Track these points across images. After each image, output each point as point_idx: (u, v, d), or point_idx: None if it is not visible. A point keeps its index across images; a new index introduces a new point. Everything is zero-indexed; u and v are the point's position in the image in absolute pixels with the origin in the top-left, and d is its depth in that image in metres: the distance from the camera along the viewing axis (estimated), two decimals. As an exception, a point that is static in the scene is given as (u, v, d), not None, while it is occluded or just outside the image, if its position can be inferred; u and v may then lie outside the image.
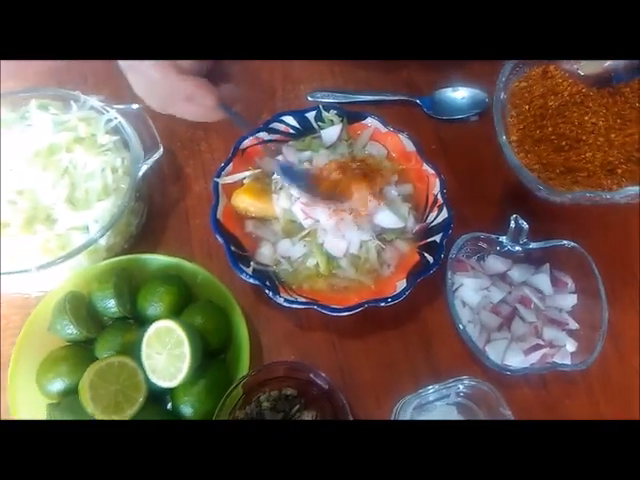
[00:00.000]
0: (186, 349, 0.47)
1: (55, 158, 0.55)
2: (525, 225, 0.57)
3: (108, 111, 0.59)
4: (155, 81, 0.55)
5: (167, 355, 0.48)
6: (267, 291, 0.52)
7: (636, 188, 0.53)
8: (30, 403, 0.50)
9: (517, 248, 0.58)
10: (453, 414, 0.50)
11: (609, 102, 0.58)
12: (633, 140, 0.57)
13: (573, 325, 0.56)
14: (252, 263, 0.54)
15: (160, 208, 0.64)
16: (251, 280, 0.52)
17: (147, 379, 0.48)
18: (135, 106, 0.60)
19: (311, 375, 0.48)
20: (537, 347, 0.53)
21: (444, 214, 0.57)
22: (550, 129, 0.58)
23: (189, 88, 0.55)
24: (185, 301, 0.53)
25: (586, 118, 0.58)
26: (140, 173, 0.56)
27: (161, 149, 0.58)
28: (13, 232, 0.52)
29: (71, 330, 0.50)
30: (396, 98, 0.72)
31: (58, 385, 0.49)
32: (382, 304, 0.52)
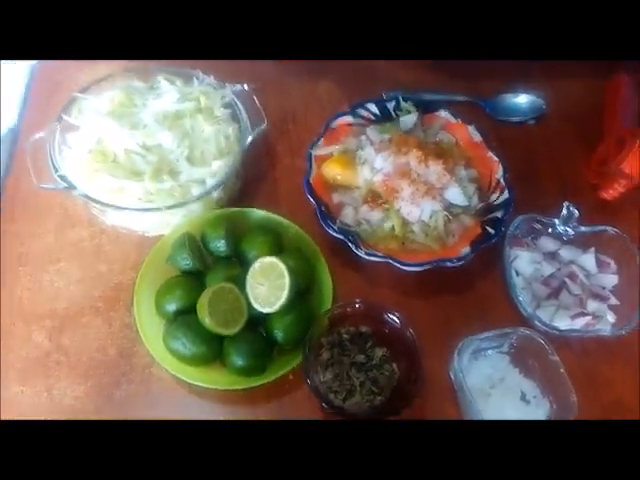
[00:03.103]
0: (286, 280, 0.56)
1: (179, 122, 0.66)
2: (576, 211, 0.65)
3: (223, 88, 0.70)
4: None
5: (269, 285, 0.57)
6: (350, 244, 0.61)
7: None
8: (150, 321, 0.60)
9: (567, 231, 0.66)
10: (505, 361, 0.58)
11: None
12: None
13: (614, 301, 0.63)
14: (338, 221, 0.63)
15: (254, 176, 0.74)
16: (337, 235, 0.62)
17: (248, 305, 0.58)
18: (245, 87, 0.71)
19: (384, 314, 0.57)
20: (582, 314, 0.61)
21: (505, 195, 0.65)
22: None
23: None
24: (278, 249, 0.63)
25: None
26: (248, 141, 0.67)
27: (265, 122, 0.69)
28: (145, 179, 0.63)
29: (187, 262, 0.61)
30: (461, 99, 0.82)
31: (173, 306, 0.59)
32: (448, 264, 0.61)
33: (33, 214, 0.70)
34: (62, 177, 0.62)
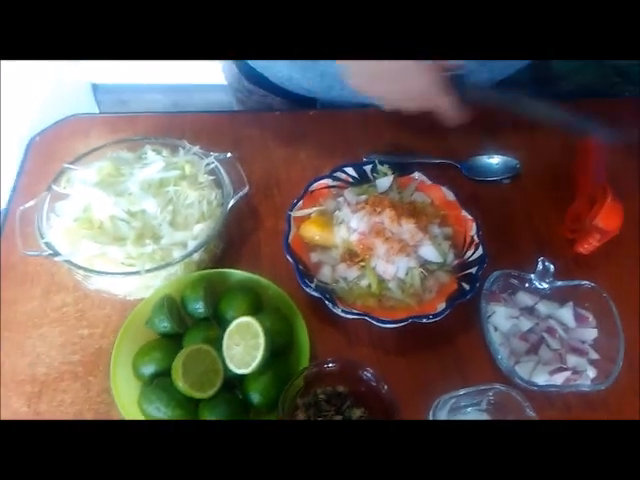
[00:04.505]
0: (261, 340, 0.57)
1: (164, 189, 0.69)
2: (551, 266, 0.66)
3: (207, 157, 0.74)
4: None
5: (244, 346, 0.58)
6: (327, 302, 0.62)
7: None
8: (128, 385, 0.60)
9: (544, 286, 0.66)
10: (483, 419, 0.57)
11: None
12: None
13: (594, 355, 0.63)
14: (315, 280, 0.65)
15: (238, 237, 0.76)
16: (314, 293, 0.63)
17: (224, 367, 0.58)
18: (228, 155, 0.75)
19: (360, 372, 0.57)
20: (561, 369, 0.60)
21: (479, 252, 0.67)
22: None
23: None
24: (257, 308, 0.64)
25: None
26: (229, 205, 0.70)
27: (247, 188, 0.72)
28: (127, 244, 0.65)
29: (165, 325, 0.61)
30: (438, 161, 0.85)
31: (151, 369, 0.59)
32: (424, 320, 0.61)
33: (20, 281, 0.72)
34: (47, 244, 0.65)
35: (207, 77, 1.11)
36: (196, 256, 0.66)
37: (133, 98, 2.54)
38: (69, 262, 0.63)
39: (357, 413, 0.57)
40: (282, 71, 0.85)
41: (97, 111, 2.48)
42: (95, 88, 2.50)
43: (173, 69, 2.35)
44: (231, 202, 0.70)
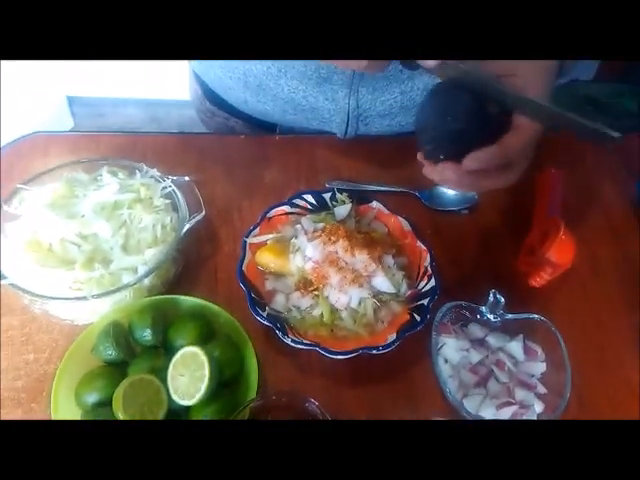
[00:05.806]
0: (206, 371, 0.56)
1: (117, 212, 0.69)
2: (502, 299, 0.67)
3: (164, 180, 0.73)
4: None
5: (189, 376, 0.57)
6: (277, 332, 0.62)
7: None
8: (69, 414, 0.58)
9: (494, 318, 0.67)
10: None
11: None
12: None
13: (541, 390, 0.63)
14: (267, 308, 0.64)
15: (194, 262, 0.75)
16: (265, 322, 0.62)
17: (169, 398, 0.57)
18: (186, 178, 0.74)
19: (306, 404, 0.56)
20: (508, 404, 0.60)
21: (432, 282, 0.67)
22: None
23: None
24: (208, 336, 0.63)
25: None
26: (183, 230, 0.69)
27: (203, 212, 0.71)
28: (75, 268, 0.64)
29: (111, 352, 0.60)
30: (399, 190, 0.86)
31: (93, 397, 0.58)
32: (374, 351, 0.61)
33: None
34: (-8, 266, 0.63)
35: (184, 93, 1.12)
36: (147, 281, 0.65)
37: (109, 112, 2.53)
38: (14, 285, 0.62)
39: (303, 446, 0.56)
40: (238, 94, 0.85)
41: (72, 124, 2.46)
42: (71, 101, 2.48)
43: (150, 83, 2.34)
44: (186, 227, 0.69)
